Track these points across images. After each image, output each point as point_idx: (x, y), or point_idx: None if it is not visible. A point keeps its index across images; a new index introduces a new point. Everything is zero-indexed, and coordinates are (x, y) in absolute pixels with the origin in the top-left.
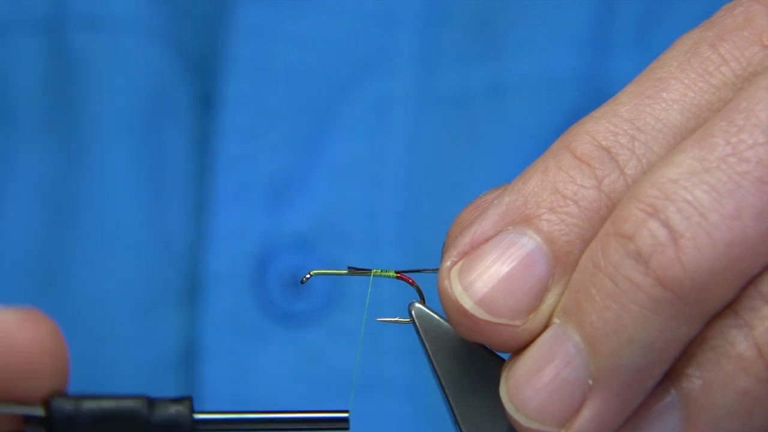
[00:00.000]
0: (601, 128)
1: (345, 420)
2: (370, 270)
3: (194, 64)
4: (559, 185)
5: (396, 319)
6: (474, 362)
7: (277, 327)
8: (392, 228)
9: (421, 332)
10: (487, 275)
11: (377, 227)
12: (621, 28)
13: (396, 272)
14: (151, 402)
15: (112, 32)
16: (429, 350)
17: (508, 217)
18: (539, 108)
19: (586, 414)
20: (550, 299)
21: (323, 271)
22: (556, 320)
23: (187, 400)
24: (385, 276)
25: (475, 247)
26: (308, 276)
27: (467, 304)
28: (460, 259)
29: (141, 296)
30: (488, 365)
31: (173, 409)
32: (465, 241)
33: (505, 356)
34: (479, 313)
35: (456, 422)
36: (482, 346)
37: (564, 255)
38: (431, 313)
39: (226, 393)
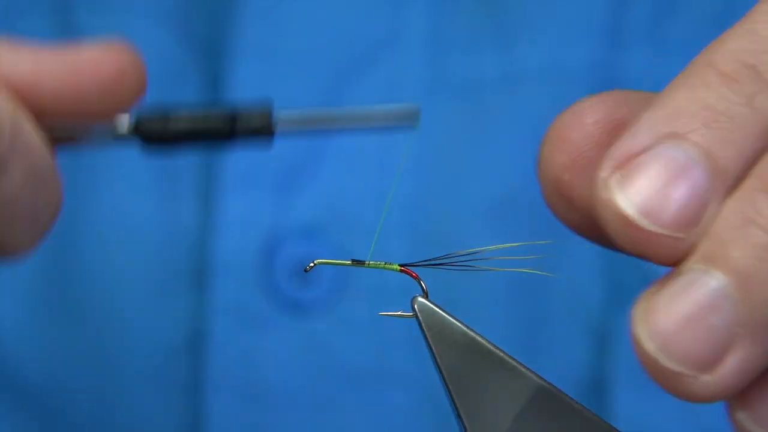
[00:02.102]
0: (743, 46)
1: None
2: (375, 262)
3: (202, 47)
4: (710, 101)
5: (399, 312)
6: (477, 357)
7: (284, 315)
8: (401, 215)
9: (423, 327)
10: (648, 186)
11: (386, 215)
12: (635, 19)
13: (399, 265)
14: (235, 117)
15: (121, 14)
16: (432, 345)
17: (663, 129)
18: (550, 97)
19: (732, 362)
20: (709, 214)
21: (327, 261)
22: (698, 265)
23: (266, 110)
24: (388, 269)
25: (632, 159)
26: (312, 265)
27: (632, 213)
28: (617, 170)
29: (148, 283)
30: (491, 360)
31: (255, 125)
32: (620, 152)
33: (505, 352)
34: (644, 224)
35: (458, 417)
36: (485, 341)
37: (723, 171)
38: (434, 307)
39: (233, 379)
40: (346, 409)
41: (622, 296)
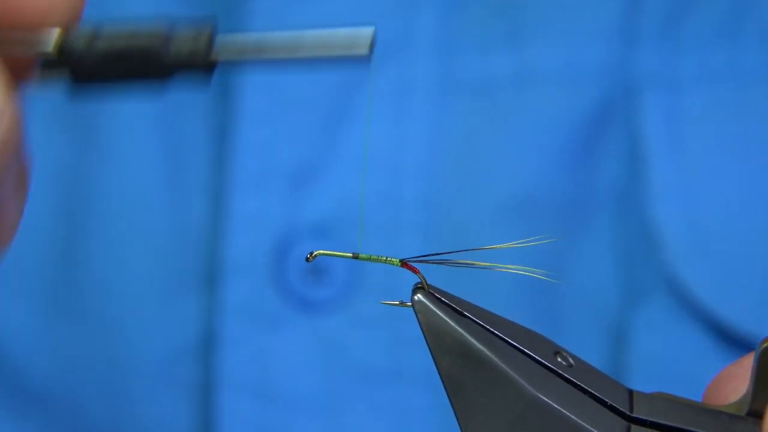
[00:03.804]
0: None
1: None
2: (374, 256)
3: (211, 11)
4: None
5: (399, 302)
6: (472, 364)
7: (296, 314)
8: (413, 215)
9: (422, 326)
10: None
11: (398, 214)
12: (648, 19)
13: (400, 260)
14: (169, 37)
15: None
16: (429, 346)
17: None
18: (564, 98)
19: None
20: None
21: (328, 252)
22: None
23: (205, 32)
24: (389, 263)
25: None
26: (313, 255)
27: None
28: None
29: (159, 283)
30: (486, 369)
31: (189, 47)
32: None
33: (502, 358)
34: None
35: (456, 417)
36: (483, 344)
37: None
38: (431, 306)
39: (245, 380)
40: (361, 409)
41: (637, 296)
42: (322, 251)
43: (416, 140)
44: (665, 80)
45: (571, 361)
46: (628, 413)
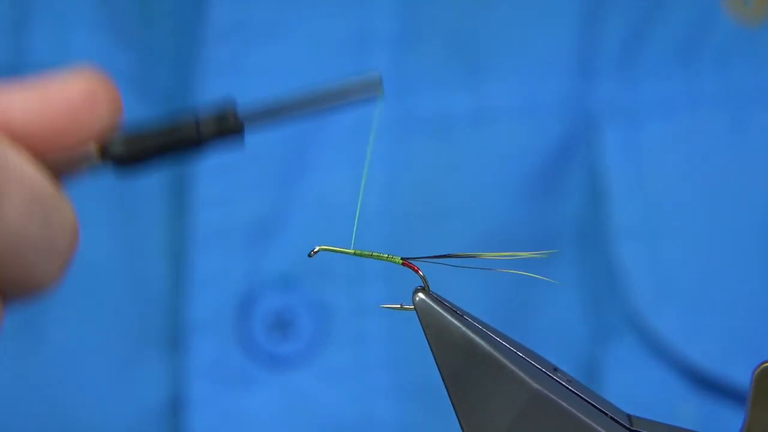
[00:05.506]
0: None
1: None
2: (376, 253)
3: (164, 106)
4: None
5: (399, 305)
6: (475, 360)
7: (264, 370)
8: (374, 249)
9: (423, 325)
10: None
11: (361, 260)
12: (604, 51)
13: (402, 258)
14: (199, 123)
15: None
16: (431, 345)
17: None
18: (522, 134)
19: None
20: None
21: (330, 248)
22: None
23: (230, 110)
24: (390, 261)
25: None
26: (315, 251)
27: None
28: None
29: (122, 346)
30: (489, 364)
31: (222, 125)
32: None
33: (504, 354)
34: None
35: (456, 417)
36: (485, 343)
37: None
38: (434, 305)
39: None
40: None
41: (604, 334)
42: (324, 247)
43: (375, 181)
44: (624, 112)
45: (569, 378)
46: (628, 426)
